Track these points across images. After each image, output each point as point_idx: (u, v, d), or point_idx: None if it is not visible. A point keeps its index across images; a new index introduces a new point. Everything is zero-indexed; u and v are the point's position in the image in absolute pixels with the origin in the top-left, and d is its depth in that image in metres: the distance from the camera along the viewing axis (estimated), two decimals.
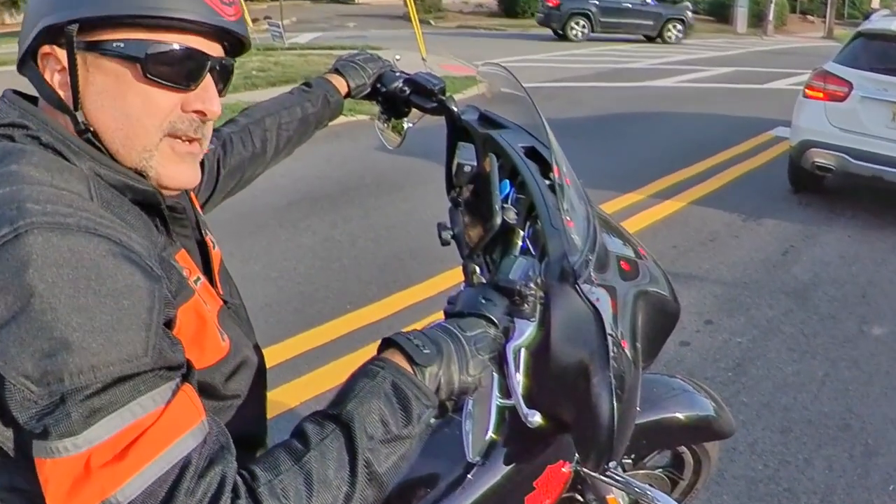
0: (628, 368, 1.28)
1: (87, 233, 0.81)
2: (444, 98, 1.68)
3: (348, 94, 1.72)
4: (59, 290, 0.76)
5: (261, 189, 6.25)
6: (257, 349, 1.20)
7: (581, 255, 1.30)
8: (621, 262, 1.51)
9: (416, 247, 5.09)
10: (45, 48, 0.95)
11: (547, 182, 1.46)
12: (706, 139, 8.60)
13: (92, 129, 0.95)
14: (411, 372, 0.97)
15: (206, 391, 0.98)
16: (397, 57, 1.84)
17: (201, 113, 0.99)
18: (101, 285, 0.78)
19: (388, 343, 1.01)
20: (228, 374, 1.04)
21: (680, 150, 8.06)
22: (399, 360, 0.98)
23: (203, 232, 1.17)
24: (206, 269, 1.14)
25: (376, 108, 1.80)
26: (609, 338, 1.23)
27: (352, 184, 6.58)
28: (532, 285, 1.18)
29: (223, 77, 1.03)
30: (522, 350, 1.18)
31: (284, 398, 3.27)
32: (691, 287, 4.66)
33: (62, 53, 0.94)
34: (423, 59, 11.31)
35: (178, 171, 1.00)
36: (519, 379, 1.16)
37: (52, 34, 0.93)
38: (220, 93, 1.03)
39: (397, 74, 1.74)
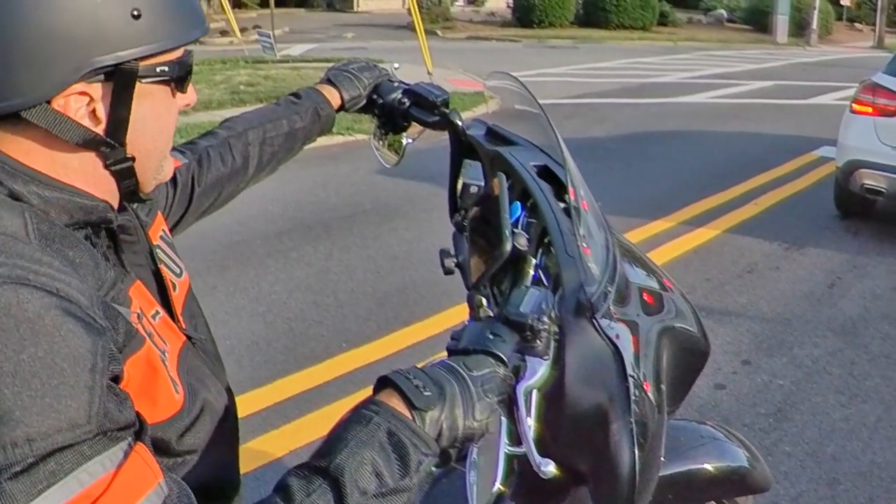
0: (651, 414, 1.28)
1: (18, 285, 0.80)
2: (447, 111, 1.69)
3: (341, 107, 1.72)
4: None
5: (248, 215, 6.32)
6: (228, 391, 1.20)
7: (599, 286, 1.31)
8: (644, 295, 1.51)
9: (420, 279, 5.10)
10: (78, 87, 0.94)
11: (562, 205, 1.47)
12: (743, 161, 8.62)
13: (133, 157, 1.02)
14: (409, 417, 0.96)
15: (158, 447, 0.97)
16: (396, 66, 1.85)
17: (188, 105, 1.10)
18: (35, 346, 0.77)
19: (384, 383, 1.01)
20: (183, 429, 1.03)
21: (714, 172, 8.08)
22: (396, 403, 0.97)
23: (157, 261, 1.17)
24: (165, 300, 1.14)
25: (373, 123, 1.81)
26: (630, 379, 1.23)
27: (349, 210, 6.61)
28: (545, 319, 1.18)
29: None
30: (534, 392, 1.18)
31: (270, 447, 3.27)
32: (727, 324, 4.66)
33: (97, 88, 0.95)
34: (428, 72, 11.44)
35: (169, 164, 1.12)
36: (530, 424, 1.16)
37: (94, 72, 0.94)
38: None
39: (396, 85, 1.75)
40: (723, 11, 32.43)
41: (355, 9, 33.03)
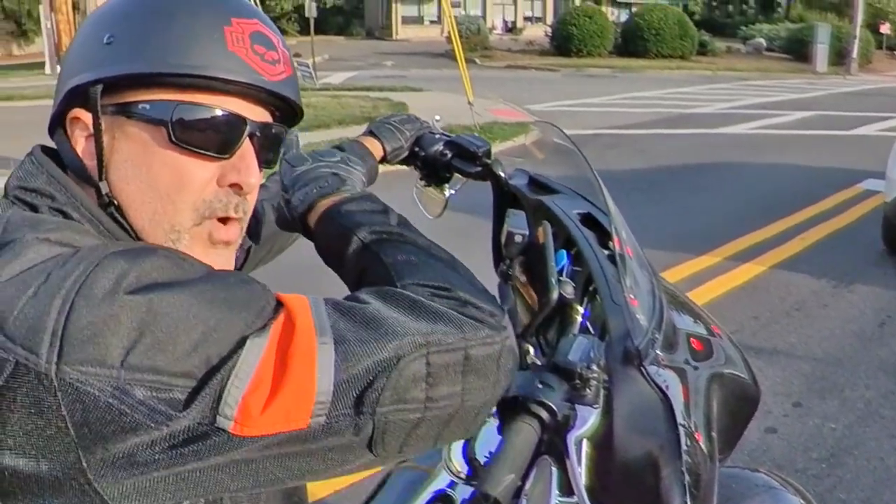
0: (703, 463, 1.28)
1: (147, 246, 0.89)
2: (489, 161, 1.71)
3: (384, 159, 1.76)
4: (165, 289, 0.80)
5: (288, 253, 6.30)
6: None
7: (646, 333, 1.32)
8: (692, 341, 1.51)
9: None
10: (75, 112, 0.96)
11: (606, 252, 1.48)
12: (787, 194, 8.57)
13: (116, 201, 0.96)
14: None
15: None
16: (437, 118, 1.89)
17: (237, 186, 0.99)
18: (195, 269, 0.85)
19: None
20: None
21: (757, 205, 8.04)
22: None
23: None
24: None
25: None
26: (681, 428, 1.24)
27: None
28: (594, 367, 1.19)
29: (268, 146, 1.04)
30: (584, 441, 1.19)
31: None
32: (776, 364, 4.60)
33: (89, 117, 0.95)
34: (469, 102, 11.46)
35: (207, 262, 0.95)
36: (581, 473, 1.17)
37: (82, 96, 0.95)
38: (269, 164, 1.05)
39: (437, 137, 1.78)
40: (762, 40, 32.35)
41: (394, 36, 33.37)
